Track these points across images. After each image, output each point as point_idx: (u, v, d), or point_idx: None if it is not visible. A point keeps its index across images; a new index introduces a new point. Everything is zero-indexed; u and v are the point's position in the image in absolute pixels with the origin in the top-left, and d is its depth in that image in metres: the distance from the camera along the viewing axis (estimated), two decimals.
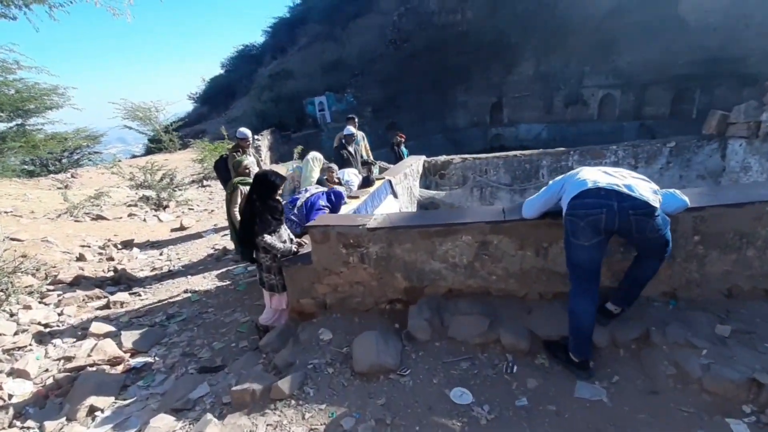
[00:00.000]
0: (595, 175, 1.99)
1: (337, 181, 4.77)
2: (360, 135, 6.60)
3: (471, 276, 2.64)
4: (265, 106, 29.09)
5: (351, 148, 5.67)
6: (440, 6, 27.50)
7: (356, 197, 4.64)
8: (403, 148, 8.66)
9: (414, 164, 7.17)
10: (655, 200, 1.81)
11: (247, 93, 33.67)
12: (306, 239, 3.22)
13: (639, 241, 1.97)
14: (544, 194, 2.28)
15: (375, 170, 6.54)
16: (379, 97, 27.38)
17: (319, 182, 4.58)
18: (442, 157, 7.77)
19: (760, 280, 2.19)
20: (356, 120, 6.44)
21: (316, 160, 4.03)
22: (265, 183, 2.96)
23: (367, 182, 5.12)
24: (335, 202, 3.67)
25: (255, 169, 4.48)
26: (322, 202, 3.66)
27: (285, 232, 3.17)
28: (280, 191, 3.08)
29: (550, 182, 2.34)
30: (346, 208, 4.15)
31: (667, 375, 1.89)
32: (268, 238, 2.93)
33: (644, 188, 1.85)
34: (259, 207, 2.93)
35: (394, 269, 2.76)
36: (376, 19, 29.59)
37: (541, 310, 2.45)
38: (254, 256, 3.17)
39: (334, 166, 4.74)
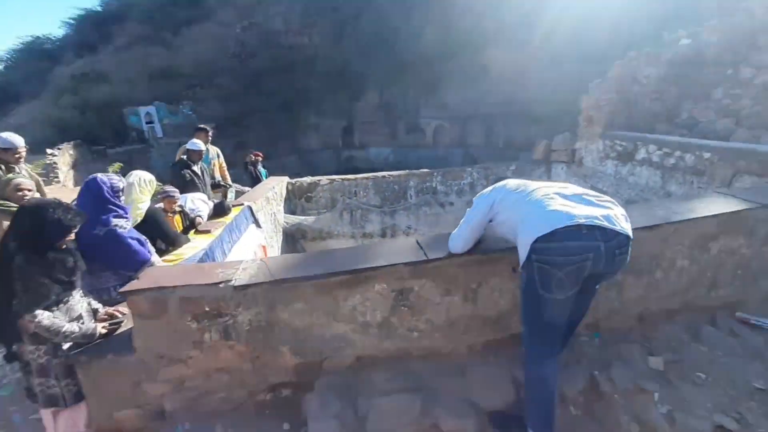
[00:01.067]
0: (563, 203, 1.49)
1: (179, 210, 3.50)
2: (214, 151, 5.31)
3: (387, 336, 1.97)
4: (65, 113, 22.89)
5: (197, 167, 4.39)
6: (286, 26, 27.05)
7: (207, 231, 3.47)
8: (261, 167, 7.54)
9: (276, 187, 6.20)
10: (630, 230, 1.48)
11: (38, 96, 26.08)
12: (125, 308, 2.02)
13: (605, 280, 1.66)
14: (471, 219, 1.81)
15: (231, 195, 5.33)
16: (222, 114, 24.81)
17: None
18: (308, 179, 7.02)
19: (664, 301, 2.20)
20: (209, 132, 5.11)
21: (144, 182, 2.77)
22: (39, 222, 1.70)
23: (221, 210, 3.97)
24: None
25: (35, 194, 2.90)
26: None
27: (81, 302, 1.91)
28: (70, 236, 1.83)
29: (475, 200, 1.86)
30: (193, 251, 2.98)
31: None
32: (44, 316, 1.67)
33: (620, 216, 1.49)
34: (22, 263, 1.65)
35: (278, 342, 1.88)
36: (214, 29, 27.03)
37: (477, 369, 1.96)
38: (14, 349, 1.81)
39: (175, 192, 3.46)
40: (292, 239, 7.01)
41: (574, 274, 1.40)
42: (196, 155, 4.38)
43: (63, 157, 15.94)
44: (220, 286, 1.78)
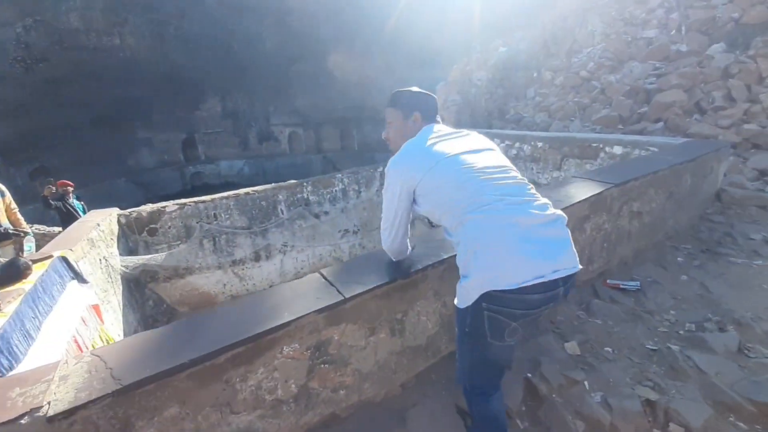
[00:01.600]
0: (525, 237, 1.13)
1: None
2: None
3: (308, 408, 1.53)
4: None
5: None
6: (85, 25, 22.14)
7: None
8: (74, 201, 5.76)
9: (103, 223, 4.79)
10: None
11: None
12: None
13: None
14: (393, 215, 1.45)
15: (29, 245, 3.84)
16: (6, 133, 18.83)
17: None
18: (149, 207, 5.69)
19: None
20: None
21: None
22: None
23: (13, 273, 2.73)
24: None
25: None
26: None
27: None
28: None
29: (387, 195, 1.46)
30: None
31: None
32: None
33: (569, 237, 1.23)
34: None
35: None
36: None
37: (417, 412, 1.68)
38: None
39: None
40: (137, 285, 5.58)
41: (531, 323, 1.23)
42: None
43: None
44: (22, 422, 1.05)
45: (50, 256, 3.27)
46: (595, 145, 4.22)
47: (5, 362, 2.03)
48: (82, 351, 3.12)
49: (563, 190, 2.43)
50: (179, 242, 5.80)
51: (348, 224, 7.16)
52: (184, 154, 26.79)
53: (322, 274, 1.72)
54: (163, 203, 5.81)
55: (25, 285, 2.73)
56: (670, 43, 5.96)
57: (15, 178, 18.59)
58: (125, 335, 4.58)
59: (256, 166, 27.88)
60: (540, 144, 4.85)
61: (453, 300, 1.33)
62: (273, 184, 6.50)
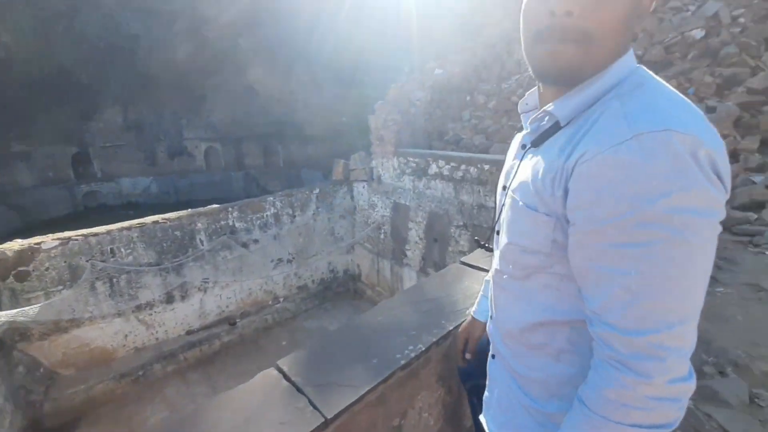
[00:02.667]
0: None
1: None
2: None
3: None
4: None
5: None
6: None
7: None
8: None
9: None
10: None
11: None
12: None
13: None
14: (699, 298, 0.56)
15: None
16: None
17: None
18: (16, 245, 4.40)
19: None
20: None
21: None
22: None
23: None
24: None
25: None
26: None
27: None
28: None
29: (684, 239, 0.51)
30: None
31: None
32: None
33: None
34: None
35: None
36: None
37: None
38: None
39: None
40: (0, 349, 4.22)
41: None
42: None
43: None
44: None
45: None
46: None
47: None
48: None
49: None
50: (61, 287, 4.58)
51: (281, 252, 6.44)
52: (75, 170, 22.99)
53: (281, 371, 1.18)
54: (39, 238, 4.56)
55: None
56: None
57: None
58: None
59: (166, 183, 25.03)
60: (487, 167, 4.78)
61: (456, 382, 0.91)
62: (189, 210, 5.56)
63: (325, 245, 6.94)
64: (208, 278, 5.72)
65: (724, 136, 4.18)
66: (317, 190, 6.64)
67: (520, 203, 0.70)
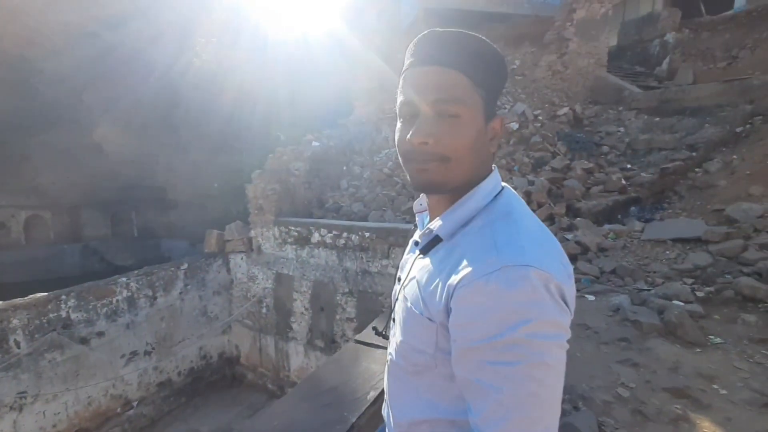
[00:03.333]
0: None
1: None
2: None
3: None
4: None
5: None
6: None
7: None
8: None
9: None
10: None
11: None
12: None
13: None
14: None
15: None
16: None
17: None
18: None
19: None
20: None
21: None
22: None
23: None
24: None
25: None
26: None
27: None
28: None
29: (528, 366, 0.63)
30: None
31: None
32: None
33: None
34: None
35: None
36: None
37: None
38: None
39: None
40: None
41: None
42: None
43: None
44: None
45: None
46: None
47: None
48: None
49: None
50: None
51: (137, 344, 5.38)
52: None
53: None
54: None
55: None
56: None
57: None
58: None
59: None
60: (368, 234, 5.05)
61: None
62: (1, 303, 4.31)
63: (196, 328, 6.08)
64: (25, 392, 4.33)
65: (540, 205, 5.36)
66: (185, 266, 5.92)
67: (409, 304, 0.79)
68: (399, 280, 0.92)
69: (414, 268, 0.84)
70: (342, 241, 5.34)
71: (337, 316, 5.39)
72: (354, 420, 1.34)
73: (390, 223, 5.38)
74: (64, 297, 4.66)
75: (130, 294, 5.25)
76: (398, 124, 0.79)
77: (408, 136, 0.73)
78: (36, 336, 4.40)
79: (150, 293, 5.46)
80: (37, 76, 18.62)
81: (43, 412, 4.53)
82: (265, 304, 6.14)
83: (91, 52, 15.56)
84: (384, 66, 9.52)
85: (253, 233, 6.28)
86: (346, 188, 7.30)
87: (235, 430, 5.20)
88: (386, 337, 0.98)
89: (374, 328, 1.04)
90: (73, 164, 21.65)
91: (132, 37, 14.80)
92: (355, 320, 5.22)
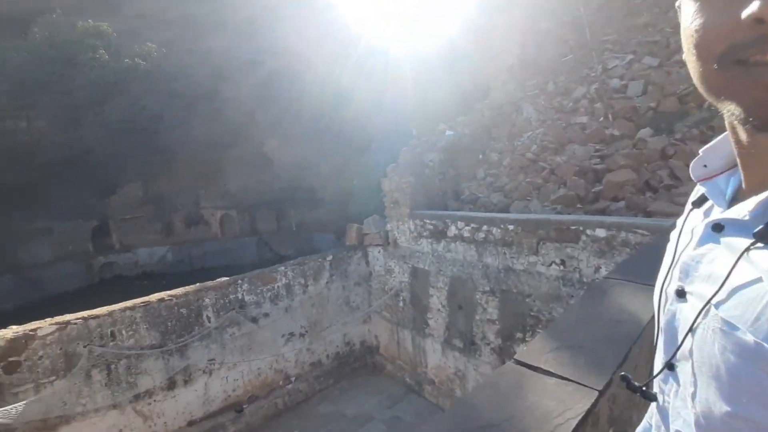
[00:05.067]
0: None
1: None
2: None
3: None
4: None
5: None
6: None
7: None
8: None
9: None
10: None
11: None
12: None
13: None
14: None
15: None
16: None
17: None
18: (8, 332, 4.09)
19: None
20: None
21: None
22: None
23: None
24: None
25: None
26: None
27: None
28: None
29: None
30: None
31: None
32: None
33: None
34: None
35: None
36: None
37: None
38: None
39: None
40: None
41: None
42: None
43: None
44: None
45: None
46: (574, 227, 3.89)
47: None
48: None
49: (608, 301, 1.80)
50: (54, 378, 4.17)
51: (293, 326, 5.99)
52: (94, 243, 23.47)
53: None
54: (36, 323, 4.27)
55: None
56: (603, 128, 6.38)
57: None
58: None
59: (181, 252, 25.25)
60: (511, 227, 4.47)
61: None
62: (197, 284, 5.27)
63: (340, 315, 6.47)
64: (214, 359, 5.25)
65: None
66: (330, 257, 6.34)
67: (752, 340, 0.36)
68: (682, 294, 0.48)
69: (740, 271, 0.39)
70: (481, 235, 4.87)
71: (477, 317, 4.96)
72: None
73: (538, 215, 4.66)
74: (240, 281, 5.48)
75: (287, 281, 5.88)
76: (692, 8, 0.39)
77: (739, 11, 0.35)
78: (221, 313, 5.28)
79: (303, 281, 6.03)
80: (225, 105, 23.24)
81: (226, 378, 5.42)
82: (401, 297, 6.12)
83: (259, 78, 18.61)
84: (524, 37, 8.51)
85: (389, 226, 6.33)
86: (483, 178, 6.74)
87: (376, 419, 5.30)
88: (651, 397, 0.54)
89: (624, 378, 0.58)
90: (250, 172, 26.44)
91: (290, 62, 17.16)
92: (497, 322, 4.70)
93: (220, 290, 5.30)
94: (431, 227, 5.61)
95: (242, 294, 5.50)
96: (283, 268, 5.87)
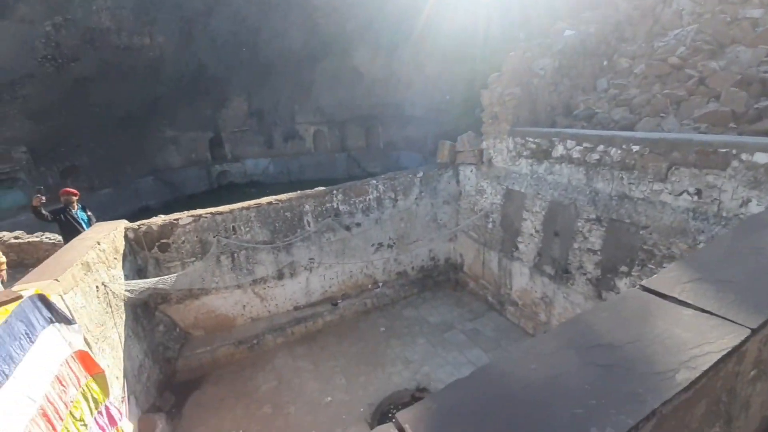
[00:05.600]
0: None
1: None
2: None
3: None
4: None
5: None
6: (117, 24, 22.27)
7: None
8: (79, 211, 5.13)
9: (105, 240, 4.12)
10: None
11: None
12: None
13: None
14: None
15: None
16: (36, 133, 19.11)
17: None
18: (159, 219, 5.00)
19: None
20: None
21: None
22: None
23: None
24: None
25: None
26: None
27: None
28: None
29: None
30: None
31: None
32: None
33: None
34: None
35: None
36: (12, 28, 20.68)
37: None
38: None
39: None
40: (145, 310, 4.91)
41: None
42: None
43: None
44: None
45: (17, 297, 2.53)
46: (724, 150, 3.15)
47: None
48: (53, 425, 2.37)
49: None
50: (194, 259, 5.09)
51: (382, 237, 6.30)
52: (211, 152, 26.79)
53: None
54: (177, 215, 5.12)
55: None
56: None
57: (46, 177, 18.83)
58: (125, 376, 3.88)
59: (280, 164, 27.62)
60: (636, 147, 3.81)
61: None
62: (299, 192, 5.71)
63: (427, 232, 6.60)
64: (313, 258, 5.88)
65: None
66: (421, 174, 6.28)
67: None
68: None
69: None
70: (595, 157, 4.28)
71: (576, 245, 4.62)
72: (656, 406, 0.87)
73: (674, 134, 3.88)
74: (335, 192, 5.80)
75: (378, 195, 6.06)
76: None
77: None
78: (319, 219, 5.75)
79: (393, 196, 6.16)
80: (316, 12, 22.61)
81: (323, 276, 6.09)
82: (491, 219, 5.94)
83: None
84: None
85: (484, 144, 5.93)
86: (606, 89, 5.73)
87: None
88: None
89: None
90: (341, 87, 26.45)
91: None
92: (599, 253, 4.33)
93: (317, 198, 5.70)
94: (533, 146, 5.09)
95: (337, 204, 5.85)
96: (374, 181, 6.02)
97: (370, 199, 6.02)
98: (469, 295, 6.58)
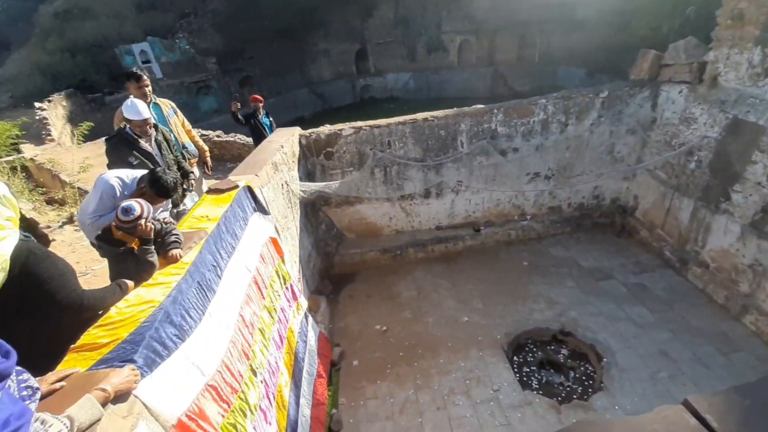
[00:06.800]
0: None
1: (149, 228, 2.02)
2: (167, 107, 3.59)
3: None
4: (54, 58, 20.88)
5: (148, 142, 2.80)
6: None
7: (183, 249, 2.06)
8: (264, 117, 5.87)
9: (286, 144, 4.63)
10: None
11: (27, 42, 24.06)
12: None
13: None
14: None
15: (194, 178, 3.51)
16: (221, 45, 22.19)
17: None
18: (326, 129, 5.36)
19: None
20: (143, 79, 3.20)
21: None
22: None
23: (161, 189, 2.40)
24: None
25: None
26: None
27: None
28: None
29: None
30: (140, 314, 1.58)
31: None
32: None
33: None
34: None
35: None
36: None
37: None
38: None
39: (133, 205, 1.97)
40: (312, 208, 5.60)
41: None
42: (139, 127, 2.75)
43: (55, 110, 14.34)
44: None
45: (235, 186, 3.03)
46: None
47: (172, 332, 1.71)
48: (261, 291, 2.92)
49: None
50: (352, 169, 5.43)
51: (540, 166, 5.66)
52: (357, 66, 27.43)
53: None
54: (340, 126, 5.39)
55: (208, 224, 2.47)
56: None
57: (229, 86, 22.20)
58: (300, 261, 4.59)
59: (420, 79, 26.78)
60: None
61: None
62: (455, 109, 5.36)
63: (597, 165, 5.64)
64: (461, 181, 5.69)
65: None
66: (605, 93, 5.15)
67: None
68: None
69: None
70: None
71: None
72: None
73: None
74: (495, 111, 5.25)
75: (545, 117, 5.27)
76: None
77: None
78: (473, 140, 5.38)
79: (563, 119, 5.28)
80: None
81: (469, 200, 5.90)
82: (696, 157, 4.65)
83: None
84: None
85: (711, 55, 4.40)
86: None
87: (616, 279, 4.95)
88: None
89: None
90: None
91: None
92: None
93: (475, 117, 5.26)
94: None
95: (495, 125, 5.32)
96: (543, 101, 5.19)
97: (534, 121, 5.29)
98: (638, 245, 5.62)
